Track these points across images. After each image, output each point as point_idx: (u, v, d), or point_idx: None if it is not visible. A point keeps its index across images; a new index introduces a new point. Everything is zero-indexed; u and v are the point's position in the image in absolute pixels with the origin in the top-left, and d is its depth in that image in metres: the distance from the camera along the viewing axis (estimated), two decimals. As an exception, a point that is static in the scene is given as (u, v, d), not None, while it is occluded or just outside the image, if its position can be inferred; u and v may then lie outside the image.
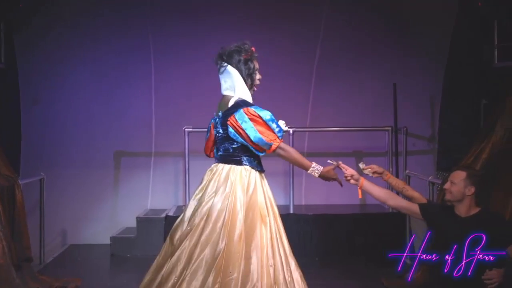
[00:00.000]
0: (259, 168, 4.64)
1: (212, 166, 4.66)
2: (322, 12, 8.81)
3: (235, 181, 4.50)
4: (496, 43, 7.29)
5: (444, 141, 8.10)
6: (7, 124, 7.84)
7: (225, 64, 4.60)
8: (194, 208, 4.53)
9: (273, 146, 4.48)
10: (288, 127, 8.01)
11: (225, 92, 4.68)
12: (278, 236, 4.50)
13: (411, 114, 8.69)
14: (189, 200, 4.71)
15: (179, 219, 4.62)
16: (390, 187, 4.94)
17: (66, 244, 8.56)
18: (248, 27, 8.66)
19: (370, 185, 4.59)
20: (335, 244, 7.79)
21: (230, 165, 4.56)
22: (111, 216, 8.73)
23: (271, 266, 4.40)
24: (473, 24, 7.56)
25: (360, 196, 4.75)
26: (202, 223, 4.44)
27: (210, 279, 4.30)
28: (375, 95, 8.82)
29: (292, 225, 7.70)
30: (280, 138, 4.52)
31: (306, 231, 7.81)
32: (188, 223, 4.50)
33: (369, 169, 4.77)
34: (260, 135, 4.47)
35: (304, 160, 4.59)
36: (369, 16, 8.84)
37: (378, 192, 4.59)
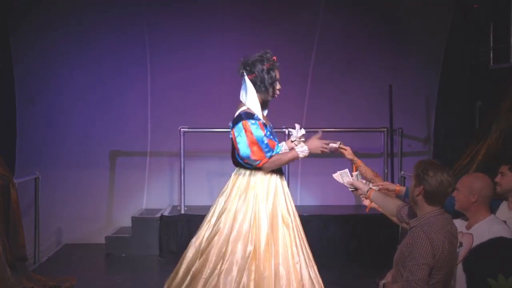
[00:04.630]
0: (278, 171, 4.79)
1: (236, 169, 4.84)
2: (318, 13, 8.81)
3: (255, 186, 4.69)
4: (491, 45, 7.31)
5: (440, 143, 8.12)
6: (2, 123, 7.83)
7: (244, 73, 4.75)
8: (220, 212, 4.71)
9: (260, 164, 4.67)
10: (284, 128, 8.09)
11: (241, 98, 4.83)
12: (299, 235, 4.69)
13: (407, 116, 8.70)
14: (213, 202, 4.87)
15: (205, 220, 4.78)
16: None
17: (61, 244, 8.54)
18: (244, 28, 8.66)
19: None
20: (330, 245, 7.79)
21: (251, 170, 4.73)
22: (106, 215, 8.72)
23: (297, 263, 4.60)
24: (468, 26, 7.58)
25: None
26: (229, 226, 4.64)
27: (244, 277, 4.50)
28: (371, 96, 8.82)
29: (287, 225, 7.70)
30: (268, 157, 4.68)
31: (301, 231, 7.81)
32: (214, 225, 4.69)
33: (338, 148, 4.72)
34: (249, 152, 4.66)
35: (289, 155, 4.75)
36: (365, 17, 8.84)
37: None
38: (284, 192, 4.75)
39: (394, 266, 3.91)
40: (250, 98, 4.75)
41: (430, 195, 3.78)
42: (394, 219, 4.31)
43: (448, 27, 8.21)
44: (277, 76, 4.77)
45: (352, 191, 4.47)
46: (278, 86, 4.78)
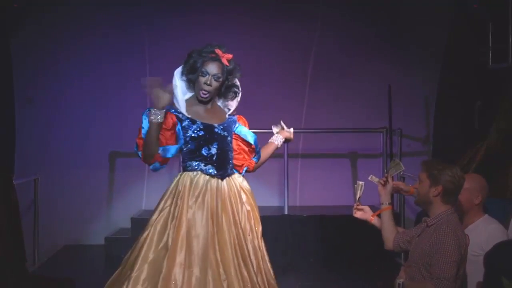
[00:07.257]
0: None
1: None
2: (317, 13, 8.81)
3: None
4: (491, 44, 7.31)
5: (439, 143, 8.11)
6: (1, 123, 7.83)
7: None
8: None
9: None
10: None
11: None
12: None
13: (406, 116, 8.69)
14: None
15: None
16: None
17: (60, 245, 8.53)
18: (244, 27, 8.66)
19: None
20: (330, 245, 7.79)
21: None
22: (105, 216, 8.71)
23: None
24: (468, 26, 7.57)
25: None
26: None
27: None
28: (370, 96, 8.81)
29: (286, 226, 7.69)
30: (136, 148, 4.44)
31: (301, 232, 7.80)
32: None
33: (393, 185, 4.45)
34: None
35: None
36: (365, 17, 8.84)
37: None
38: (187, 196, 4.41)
39: (413, 264, 3.89)
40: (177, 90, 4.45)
41: (449, 194, 3.84)
42: (389, 245, 4.24)
43: (448, 27, 8.21)
44: (205, 69, 4.30)
45: (356, 206, 4.44)
46: (203, 80, 4.28)
